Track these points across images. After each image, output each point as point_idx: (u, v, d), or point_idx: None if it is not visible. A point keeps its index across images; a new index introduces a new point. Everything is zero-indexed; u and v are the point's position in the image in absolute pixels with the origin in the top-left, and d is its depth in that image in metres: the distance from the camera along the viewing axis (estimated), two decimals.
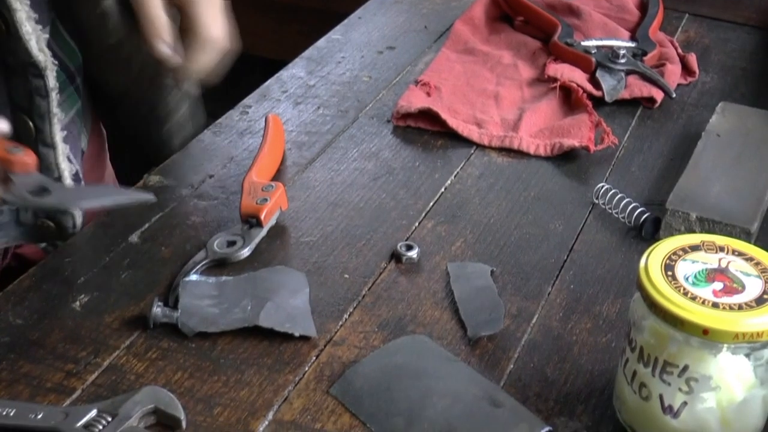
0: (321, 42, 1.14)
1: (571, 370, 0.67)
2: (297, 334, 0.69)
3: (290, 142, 0.93)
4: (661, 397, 0.58)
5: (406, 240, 0.80)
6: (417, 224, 0.83)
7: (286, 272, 0.74)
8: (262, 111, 0.99)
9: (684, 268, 0.58)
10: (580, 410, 0.64)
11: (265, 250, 0.78)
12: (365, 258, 0.78)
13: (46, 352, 0.67)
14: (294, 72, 1.08)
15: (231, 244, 0.77)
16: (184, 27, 0.76)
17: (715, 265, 0.58)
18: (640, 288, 0.58)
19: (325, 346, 0.69)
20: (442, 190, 0.87)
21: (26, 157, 0.67)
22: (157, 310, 0.69)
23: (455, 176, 0.89)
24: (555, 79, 1.02)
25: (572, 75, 1.03)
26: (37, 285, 0.74)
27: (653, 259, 0.59)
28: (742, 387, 0.57)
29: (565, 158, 0.92)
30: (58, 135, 0.83)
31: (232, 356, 0.67)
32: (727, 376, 0.56)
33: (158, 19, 0.74)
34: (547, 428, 0.62)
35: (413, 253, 0.78)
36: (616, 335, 0.71)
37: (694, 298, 0.55)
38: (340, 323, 0.71)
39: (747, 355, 0.56)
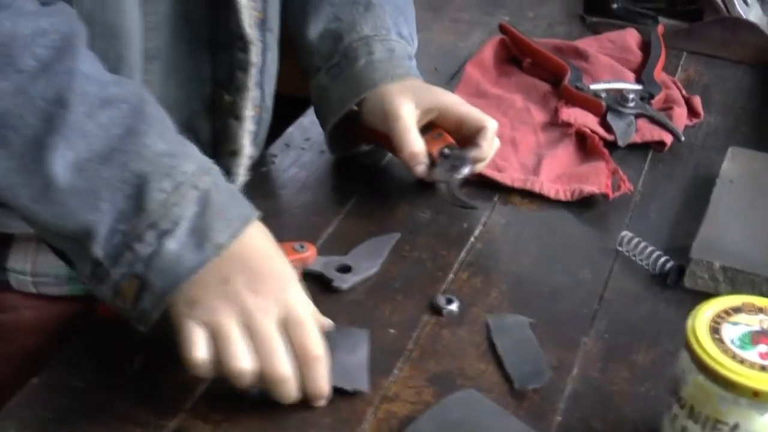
0: None
1: (616, 421, 0.71)
2: (350, 389, 0.72)
3: (322, 196, 0.96)
4: None
5: (443, 292, 0.84)
6: (452, 275, 0.86)
7: (346, 332, 0.77)
8: (289, 161, 1.02)
9: (729, 332, 0.62)
10: None
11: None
12: (407, 311, 0.81)
13: (113, 417, 0.70)
14: (314, 119, 1.10)
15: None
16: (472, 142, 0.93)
17: (758, 328, 0.62)
18: (691, 351, 0.62)
19: (380, 404, 0.72)
20: (472, 239, 0.91)
21: (311, 252, 0.85)
22: None
23: (483, 225, 0.93)
24: (569, 124, 1.06)
25: (585, 120, 1.07)
26: (90, 347, 0.76)
27: (699, 321, 0.63)
28: None
29: (585, 205, 0.96)
30: (248, 110, 0.88)
31: (293, 415, 0.70)
32: None
33: (415, 145, 0.91)
34: None
35: (454, 306, 0.81)
36: (653, 384, 0.75)
37: (742, 362, 0.60)
38: (391, 379, 0.74)
39: None
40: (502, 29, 1.23)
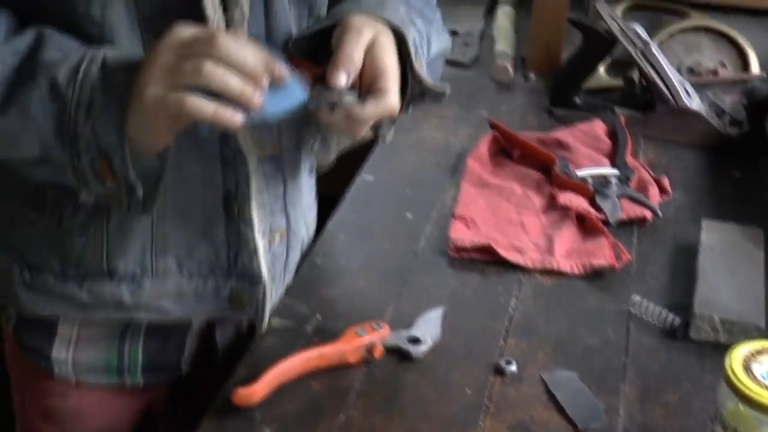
0: (358, 183, 1.34)
1: None
2: None
3: (373, 282, 1.12)
4: None
5: (500, 355, 1.01)
6: (503, 342, 1.03)
7: None
8: (339, 251, 1.18)
9: (758, 369, 0.81)
10: None
11: (392, 374, 0.97)
12: (475, 373, 0.98)
13: None
14: (345, 214, 1.27)
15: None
16: (372, 89, 0.89)
17: None
18: (732, 386, 0.80)
19: None
20: (510, 311, 1.09)
21: (386, 329, 0.99)
22: None
23: (516, 299, 1.11)
24: (567, 207, 1.26)
25: (578, 202, 1.26)
26: (220, 425, 0.90)
27: (734, 363, 0.81)
28: None
29: (594, 275, 1.15)
30: (255, 213, 0.99)
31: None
32: None
33: (352, 56, 0.88)
34: None
35: (513, 367, 0.98)
36: (684, 418, 0.93)
37: None
38: (479, 431, 0.91)
39: None
40: (492, 125, 1.42)
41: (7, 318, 1.07)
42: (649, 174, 1.37)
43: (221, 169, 0.97)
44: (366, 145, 1.45)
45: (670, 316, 1.06)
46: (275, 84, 0.83)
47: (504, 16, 1.90)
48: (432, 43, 1.03)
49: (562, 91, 1.57)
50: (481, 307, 1.09)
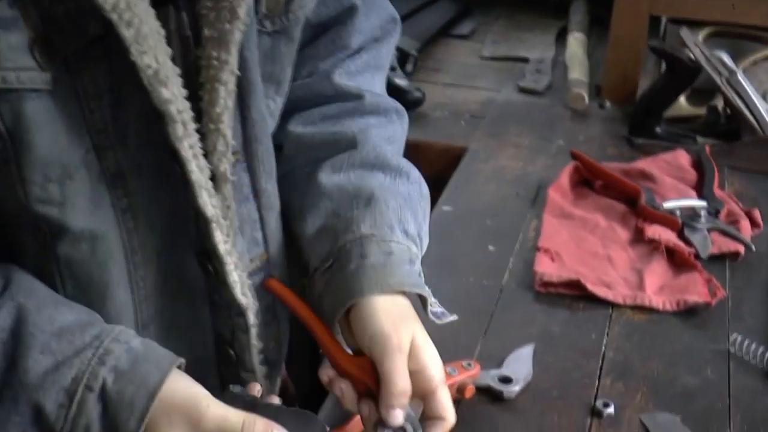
0: (436, 214, 1.31)
1: None
2: None
3: (460, 318, 1.08)
4: None
5: (594, 397, 0.97)
6: (597, 382, 0.99)
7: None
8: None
9: None
10: None
11: (484, 414, 0.94)
12: (571, 416, 0.94)
13: None
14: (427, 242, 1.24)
15: None
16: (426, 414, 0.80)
17: None
18: None
19: None
20: (603, 349, 1.05)
21: (477, 368, 0.96)
22: None
23: (608, 336, 1.07)
24: (654, 240, 1.21)
25: (667, 236, 1.22)
26: None
27: None
28: None
29: (687, 312, 1.11)
30: (256, 360, 0.87)
31: None
32: None
33: (405, 388, 0.77)
34: None
35: (611, 409, 0.94)
36: None
37: None
38: None
39: None
40: (574, 156, 1.39)
41: None
42: (739, 206, 1.32)
43: (211, 313, 0.85)
44: (439, 176, 1.44)
45: None
46: None
47: (576, 42, 1.87)
48: (424, 240, 0.93)
49: (643, 120, 1.53)
50: (572, 345, 1.05)
